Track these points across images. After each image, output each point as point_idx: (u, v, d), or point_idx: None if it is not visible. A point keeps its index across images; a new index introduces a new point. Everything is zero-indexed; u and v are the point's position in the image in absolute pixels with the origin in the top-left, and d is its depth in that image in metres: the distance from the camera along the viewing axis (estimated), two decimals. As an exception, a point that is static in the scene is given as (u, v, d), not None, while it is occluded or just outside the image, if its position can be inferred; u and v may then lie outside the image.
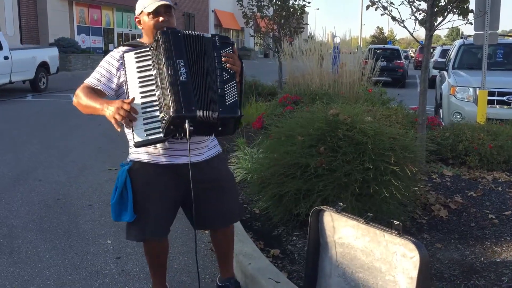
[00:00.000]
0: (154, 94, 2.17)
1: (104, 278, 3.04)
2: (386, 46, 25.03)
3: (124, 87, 2.26)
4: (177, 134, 2.12)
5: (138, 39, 2.50)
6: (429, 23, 4.53)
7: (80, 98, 2.27)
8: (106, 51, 24.53)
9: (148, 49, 2.24)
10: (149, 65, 2.22)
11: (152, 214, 2.34)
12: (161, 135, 2.12)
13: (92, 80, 2.34)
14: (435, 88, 10.06)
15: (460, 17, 4.65)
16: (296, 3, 11.07)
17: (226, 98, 2.18)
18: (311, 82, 8.25)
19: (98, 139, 7.25)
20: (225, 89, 2.20)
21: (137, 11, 2.37)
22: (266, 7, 11.05)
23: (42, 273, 3.10)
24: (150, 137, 2.14)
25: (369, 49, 10.01)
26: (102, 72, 2.33)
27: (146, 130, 2.14)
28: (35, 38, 22.26)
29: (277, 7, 10.83)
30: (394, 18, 4.76)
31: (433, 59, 17.02)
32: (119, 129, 2.13)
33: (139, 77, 2.22)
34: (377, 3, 4.87)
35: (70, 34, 23.36)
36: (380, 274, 2.00)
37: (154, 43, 2.21)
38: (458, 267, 2.89)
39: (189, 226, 3.66)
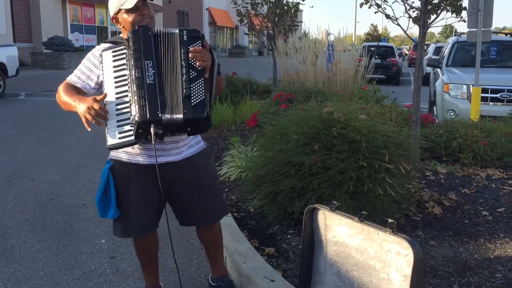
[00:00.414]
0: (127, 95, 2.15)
1: (98, 278, 3.03)
2: (380, 43, 25.11)
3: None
4: (149, 137, 2.11)
5: (120, 35, 2.40)
6: (422, 21, 4.54)
7: (59, 95, 2.26)
8: (99, 50, 24.39)
9: (124, 47, 2.19)
10: (124, 64, 2.19)
11: (133, 212, 2.35)
12: (133, 137, 2.12)
13: (72, 77, 2.34)
14: (429, 86, 10.09)
15: (454, 15, 4.65)
16: (290, 1, 11.06)
17: (192, 98, 2.10)
18: (305, 80, 8.24)
19: (91, 138, 7.21)
20: (191, 88, 2.11)
21: (113, 10, 2.29)
22: (260, 5, 11.03)
23: (36, 273, 3.08)
24: (122, 140, 2.13)
25: (363, 47, 10.02)
26: (83, 69, 2.32)
27: (119, 133, 2.13)
28: (28, 37, 22.14)
29: (271, 5, 10.82)
30: (388, 16, 4.77)
31: (427, 57, 17.08)
32: (89, 129, 2.09)
33: (115, 77, 2.18)
34: (370, 1, 4.86)
35: (63, 32, 23.24)
36: (375, 272, 2.00)
37: (125, 42, 2.17)
38: (452, 264, 2.91)
39: (184, 226, 3.66)
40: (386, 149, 3.19)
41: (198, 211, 2.46)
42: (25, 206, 4.30)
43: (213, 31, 42.40)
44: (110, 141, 2.14)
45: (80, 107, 2.08)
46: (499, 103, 7.16)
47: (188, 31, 2.17)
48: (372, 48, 15.96)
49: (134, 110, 2.08)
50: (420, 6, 4.55)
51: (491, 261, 2.94)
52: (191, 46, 2.13)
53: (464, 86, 7.30)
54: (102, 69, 2.24)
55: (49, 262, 3.23)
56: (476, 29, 6.49)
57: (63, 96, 2.23)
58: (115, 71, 2.19)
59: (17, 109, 10.23)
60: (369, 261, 2.02)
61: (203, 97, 2.12)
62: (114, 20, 2.34)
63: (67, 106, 2.20)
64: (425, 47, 16.97)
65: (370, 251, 2.01)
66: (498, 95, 7.15)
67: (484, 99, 6.94)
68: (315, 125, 3.34)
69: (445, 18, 4.64)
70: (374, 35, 58.27)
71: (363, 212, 2.08)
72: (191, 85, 2.11)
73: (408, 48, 45.04)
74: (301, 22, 14.12)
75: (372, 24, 67.92)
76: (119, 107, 2.15)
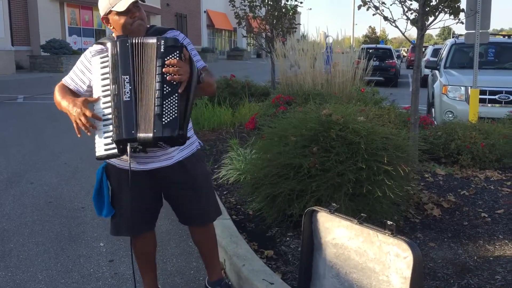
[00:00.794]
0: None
1: (97, 282, 3.02)
2: (379, 45, 25.16)
3: None
4: (132, 150, 2.13)
5: (113, 34, 2.34)
6: (420, 23, 4.55)
7: (55, 95, 2.29)
8: (98, 52, 24.40)
9: (113, 40, 2.16)
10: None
11: (125, 212, 2.39)
12: (116, 150, 2.13)
13: (67, 78, 2.36)
14: (427, 87, 10.10)
15: (452, 17, 4.66)
16: (288, 3, 11.08)
17: (164, 116, 2.05)
18: (304, 82, 8.25)
19: (90, 141, 7.14)
20: (164, 106, 2.06)
21: (104, 11, 2.23)
22: (258, 7, 11.04)
23: (34, 277, 3.07)
24: (108, 152, 2.15)
25: (362, 49, 10.03)
26: (77, 71, 2.33)
27: (105, 144, 2.15)
28: (26, 40, 22.14)
29: (269, 7, 10.83)
30: (386, 18, 4.77)
31: (425, 58, 17.08)
32: (79, 135, 2.12)
33: (102, 85, 2.16)
34: (368, 3, 4.87)
35: (61, 35, 23.25)
36: (374, 274, 2.00)
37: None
38: (451, 266, 2.90)
39: (182, 228, 3.66)
40: (385, 151, 3.19)
41: (191, 212, 2.48)
42: (24, 209, 4.29)
43: (211, 34, 42.45)
44: (98, 152, 2.17)
45: (73, 110, 2.10)
46: (497, 105, 7.17)
47: (165, 40, 2.08)
48: (370, 50, 15.96)
49: (112, 128, 2.10)
50: (418, 8, 4.56)
51: (490, 263, 2.94)
52: (168, 58, 2.06)
53: (462, 88, 7.31)
54: (91, 75, 2.23)
55: (47, 266, 3.22)
56: (474, 31, 6.50)
57: (57, 96, 2.26)
58: (102, 79, 2.17)
59: (15, 112, 10.21)
60: (368, 263, 2.02)
61: (175, 115, 2.07)
62: (104, 21, 2.28)
63: (60, 106, 2.22)
64: (423, 49, 17.00)
65: (369, 253, 2.01)
66: (496, 97, 7.16)
67: (482, 101, 6.94)
68: (313, 127, 3.34)
69: (443, 20, 4.66)
70: (372, 37, 58.43)
71: (362, 214, 2.08)
72: (164, 102, 2.06)
73: (406, 50, 45.11)
74: (299, 24, 14.13)
75: (370, 26, 68.04)
76: (106, 117, 2.14)
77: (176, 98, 2.07)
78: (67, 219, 4.06)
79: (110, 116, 2.12)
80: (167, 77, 2.06)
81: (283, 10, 10.88)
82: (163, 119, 2.05)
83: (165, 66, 2.05)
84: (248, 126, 6.64)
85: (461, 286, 2.67)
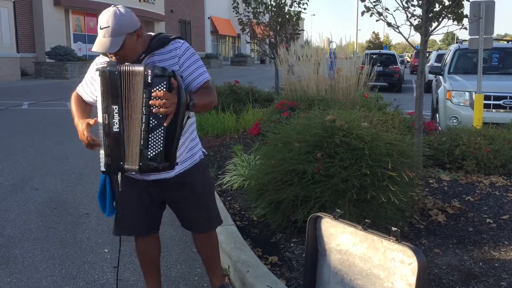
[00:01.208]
0: None
1: (101, 288, 3.02)
2: (382, 51, 25.20)
3: None
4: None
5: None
6: (424, 29, 4.55)
7: (71, 106, 2.41)
8: (102, 59, 24.53)
9: (103, 66, 2.17)
10: None
11: (126, 213, 2.41)
12: None
13: (80, 88, 2.45)
14: (431, 93, 10.09)
15: (455, 22, 4.66)
16: (292, 9, 11.10)
17: (149, 150, 2.08)
18: (307, 88, 8.25)
19: (95, 147, 7.23)
20: (149, 139, 2.07)
21: None
22: (262, 13, 11.06)
23: (39, 283, 3.08)
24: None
25: (365, 54, 10.04)
26: (87, 81, 2.41)
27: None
28: (31, 47, 22.28)
29: (273, 13, 10.86)
30: (389, 24, 4.78)
31: (429, 64, 17.09)
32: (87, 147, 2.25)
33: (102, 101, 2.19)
34: (372, 9, 4.88)
35: (66, 42, 23.38)
36: (379, 280, 1.99)
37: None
38: (456, 272, 2.89)
39: (187, 235, 3.66)
40: (389, 157, 3.19)
41: (192, 219, 2.50)
42: (28, 215, 4.30)
43: (215, 40, 42.59)
44: (102, 167, 2.23)
45: (78, 130, 2.22)
46: (502, 110, 7.15)
47: (153, 69, 2.03)
48: (374, 56, 15.95)
49: (102, 155, 2.17)
50: (421, 14, 4.56)
51: (495, 269, 2.93)
52: (155, 88, 2.03)
53: (467, 93, 7.30)
54: (95, 87, 2.27)
55: (52, 272, 3.23)
56: (477, 36, 6.50)
57: (72, 107, 2.39)
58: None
59: (20, 119, 10.26)
60: (373, 270, 2.01)
61: (160, 148, 2.09)
62: None
63: (74, 120, 2.33)
64: (427, 54, 16.99)
65: (374, 260, 2.00)
66: (501, 102, 7.14)
67: (486, 106, 6.93)
68: (317, 133, 3.35)
69: (447, 25, 4.65)
70: (375, 43, 58.44)
71: (366, 220, 2.07)
72: (150, 136, 2.08)
73: (410, 55, 45.12)
74: (303, 30, 14.15)
75: (373, 32, 68.12)
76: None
77: (162, 131, 2.09)
78: (72, 225, 4.07)
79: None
80: (153, 109, 2.05)
81: (287, 16, 10.90)
82: (149, 153, 2.09)
83: (152, 98, 2.03)
84: (252, 132, 6.66)
85: (467, 293, 2.66)
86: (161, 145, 2.09)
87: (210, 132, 7.39)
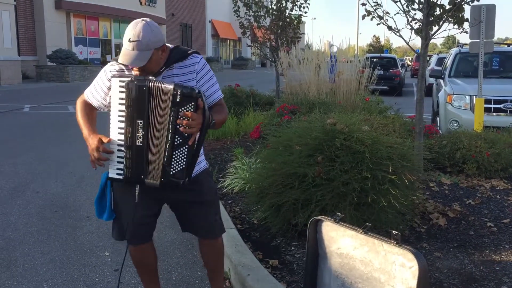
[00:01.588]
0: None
1: (102, 291, 3.02)
2: (383, 54, 25.19)
3: None
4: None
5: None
6: (424, 32, 4.56)
7: (76, 113, 2.39)
8: (103, 62, 24.68)
9: (130, 79, 2.15)
10: None
11: (126, 221, 2.38)
12: None
13: (88, 93, 2.40)
14: (431, 96, 10.09)
15: (456, 26, 4.67)
16: (293, 13, 11.12)
17: (172, 166, 2.13)
18: (308, 91, 8.26)
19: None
20: (173, 157, 2.12)
21: None
22: (263, 17, 11.09)
23: (40, 286, 3.08)
24: (120, 177, 2.24)
25: (366, 58, 10.05)
26: (97, 88, 2.36)
27: (118, 169, 2.23)
28: (32, 50, 22.34)
29: (273, 17, 10.88)
30: (390, 28, 4.79)
31: (429, 68, 17.11)
32: (94, 168, 2.26)
33: (119, 110, 2.19)
34: (373, 13, 4.89)
35: (67, 45, 23.47)
36: (379, 284, 1.99)
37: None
38: (457, 276, 2.89)
39: (187, 238, 3.67)
40: (390, 160, 3.19)
41: (198, 226, 2.47)
42: (29, 218, 4.31)
43: (216, 43, 42.67)
44: (110, 174, 2.25)
45: (90, 144, 2.22)
46: (502, 114, 7.15)
47: (182, 89, 2.06)
48: (375, 59, 16.00)
49: (123, 166, 2.18)
50: (422, 18, 4.57)
51: (496, 273, 2.92)
52: (182, 108, 2.07)
53: (467, 97, 7.30)
54: (110, 95, 2.25)
55: (52, 275, 3.23)
56: (478, 40, 6.51)
57: (78, 116, 2.36)
58: (120, 104, 2.19)
59: (21, 122, 10.28)
60: (373, 273, 2.01)
61: (183, 166, 2.15)
62: None
63: (81, 129, 2.32)
64: (428, 58, 17.02)
65: (374, 263, 2.01)
66: (501, 106, 7.15)
67: (487, 110, 6.94)
68: (318, 137, 3.35)
69: (447, 29, 4.66)
70: (376, 46, 58.53)
71: (367, 223, 2.07)
72: (174, 153, 2.13)
73: (410, 59, 45.15)
74: (304, 34, 14.18)
75: (374, 36, 68.22)
76: (120, 142, 2.20)
77: (186, 149, 2.15)
78: (73, 228, 4.07)
79: (123, 149, 2.19)
80: (180, 128, 2.09)
81: (288, 20, 10.93)
82: (172, 170, 2.15)
83: (179, 117, 2.08)
84: (252, 135, 6.66)
85: (468, 296, 2.65)
86: (184, 162, 2.15)
87: (211, 136, 7.40)
